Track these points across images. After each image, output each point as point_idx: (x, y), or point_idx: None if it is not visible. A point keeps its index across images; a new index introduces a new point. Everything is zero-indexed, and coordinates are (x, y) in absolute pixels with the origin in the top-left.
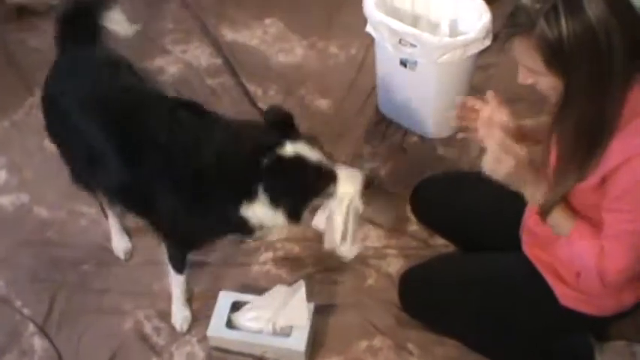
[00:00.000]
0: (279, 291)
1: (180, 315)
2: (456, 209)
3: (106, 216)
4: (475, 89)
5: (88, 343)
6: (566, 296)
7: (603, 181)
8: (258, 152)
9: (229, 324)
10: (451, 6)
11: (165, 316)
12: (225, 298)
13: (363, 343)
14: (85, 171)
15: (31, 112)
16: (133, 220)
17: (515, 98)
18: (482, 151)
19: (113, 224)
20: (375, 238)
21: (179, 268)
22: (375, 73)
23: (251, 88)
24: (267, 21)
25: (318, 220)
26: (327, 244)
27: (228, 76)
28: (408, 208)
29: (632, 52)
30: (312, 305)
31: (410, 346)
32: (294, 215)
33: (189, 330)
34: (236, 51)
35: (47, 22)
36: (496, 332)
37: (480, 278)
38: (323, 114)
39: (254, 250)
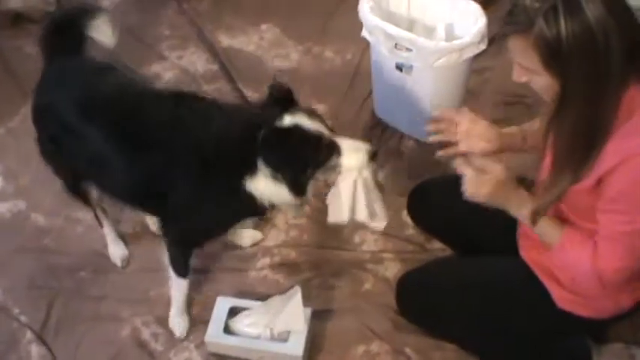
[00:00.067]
0: (275, 298)
1: (178, 320)
2: (452, 213)
3: (101, 225)
4: (471, 93)
5: (86, 350)
6: (563, 299)
7: (599, 182)
8: (255, 126)
9: (227, 330)
10: (447, 10)
11: (162, 322)
12: (222, 304)
13: (361, 348)
14: (88, 177)
15: (27, 119)
16: (129, 227)
17: (511, 101)
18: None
19: (108, 232)
20: (372, 242)
21: (182, 272)
22: (371, 77)
23: (247, 93)
24: (264, 27)
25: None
26: (330, 218)
27: (225, 81)
28: (405, 212)
29: (629, 54)
30: (309, 310)
31: (407, 350)
32: (297, 188)
33: (187, 336)
34: (232, 57)
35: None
36: (494, 336)
37: (477, 282)
38: None
39: (251, 255)
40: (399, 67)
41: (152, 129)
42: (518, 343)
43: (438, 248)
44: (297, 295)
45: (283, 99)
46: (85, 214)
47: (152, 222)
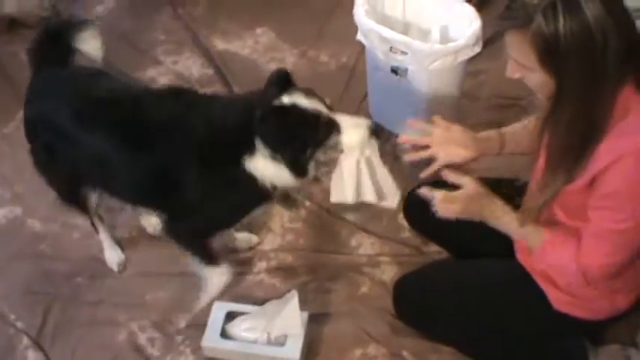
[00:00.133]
0: (272, 302)
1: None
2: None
3: (97, 231)
4: (466, 95)
5: (83, 356)
6: (559, 300)
7: (592, 182)
8: (253, 107)
9: (224, 334)
10: (442, 13)
11: (159, 326)
12: (219, 309)
13: (358, 352)
14: (91, 181)
15: (22, 125)
16: (126, 232)
17: (506, 104)
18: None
19: (104, 238)
20: (368, 245)
21: (210, 260)
22: (367, 80)
23: None
24: (259, 31)
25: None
26: (333, 197)
27: (220, 85)
28: (401, 215)
29: (625, 54)
30: (306, 314)
31: (405, 353)
32: (297, 167)
33: (183, 340)
34: (228, 61)
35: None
36: (491, 338)
37: (473, 285)
38: None
39: (247, 260)
40: (395, 70)
41: (152, 126)
42: (515, 346)
43: (434, 251)
44: (293, 299)
45: (282, 81)
46: (81, 220)
47: (149, 224)
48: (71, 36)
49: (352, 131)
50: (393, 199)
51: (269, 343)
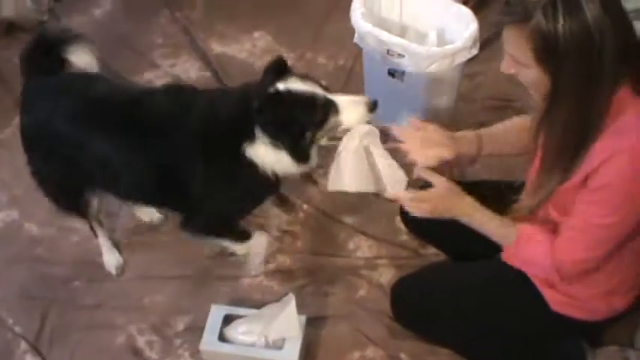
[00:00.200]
0: (270, 306)
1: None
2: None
3: (95, 235)
4: (463, 98)
5: (81, 359)
6: (556, 301)
7: (585, 179)
8: (249, 96)
9: (222, 338)
10: (438, 15)
11: (157, 329)
12: (217, 312)
13: (356, 354)
14: (98, 185)
15: (19, 129)
16: (124, 236)
17: (502, 106)
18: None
19: (103, 242)
20: (366, 248)
21: (241, 235)
22: (364, 83)
23: None
24: (256, 34)
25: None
26: (330, 186)
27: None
28: (399, 217)
29: (621, 55)
30: (303, 317)
31: (402, 356)
32: (298, 153)
33: (181, 344)
34: (225, 64)
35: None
36: (488, 340)
37: (470, 286)
38: None
39: (245, 263)
40: (392, 73)
41: (154, 123)
42: (512, 347)
43: (432, 253)
44: (291, 303)
45: (278, 69)
46: (78, 224)
47: (145, 214)
48: (63, 48)
49: (351, 109)
50: (394, 189)
51: (267, 346)
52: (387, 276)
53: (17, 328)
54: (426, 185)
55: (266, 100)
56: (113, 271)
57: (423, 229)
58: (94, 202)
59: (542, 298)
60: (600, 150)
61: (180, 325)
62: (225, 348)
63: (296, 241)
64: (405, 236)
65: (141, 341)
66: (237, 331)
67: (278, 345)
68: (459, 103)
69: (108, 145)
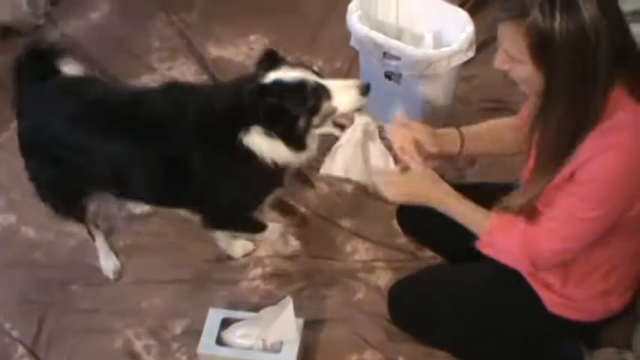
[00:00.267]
0: (267, 309)
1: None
2: (441, 221)
3: (93, 239)
4: (459, 100)
5: None
6: (553, 302)
7: (572, 175)
8: (241, 88)
9: (219, 341)
10: (435, 18)
11: (155, 333)
12: (214, 316)
13: (354, 357)
14: (103, 188)
15: (17, 134)
16: (121, 240)
17: (498, 108)
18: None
19: (101, 246)
20: (363, 251)
21: (258, 229)
22: None
23: None
24: (252, 37)
25: None
26: (322, 170)
27: None
28: (396, 220)
29: (616, 56)
30: (301, 320)
31: (400, 359)
32: (292, 140)
33: (179, 348)
34: (222, 67)
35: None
36: (486, 342)
37: (468, 288)
38: None
39: (243, 266)
40: (388, 76)
41: (155, 122)
42: (510, 350)
43: (429, 256)
44: (288, 306)
45: (270, 60)
46: (76, 228)
47: (134, 206)
48: (53, 59)
49: (343, 94)
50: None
51: (265, 349)
52: (384, 279)
53: (14, 333)
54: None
55: (254, 92)
56: (111, 275)
57: (420, 232)
58: (92, 206)
59: (539, 299)
60: (589, 147)
61: (178, 329)
62: (222, 351)
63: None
64: (402, 239)
65: (138, 345)
66: (235, 335)
67: (276, 348)
68: (456, 106)
69: (111, 146)
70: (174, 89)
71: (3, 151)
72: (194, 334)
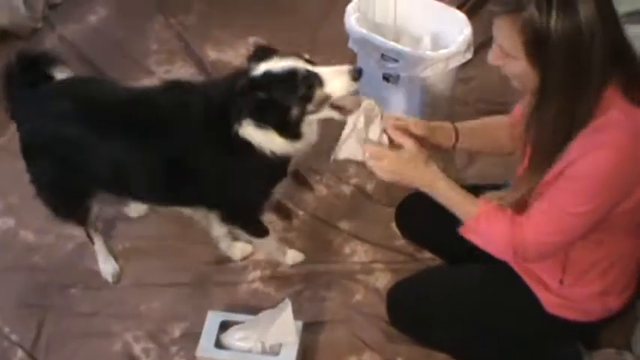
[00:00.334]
0: (266, 312)
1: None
2: (440, 223)
3: (92, 242)
4: (457, 101)
5: None
6: (550, 303)
7: (562, 172)
8: (233, 82)
9: (218, 344)
10: (433, 20)
11: (153, 337)
12: (213, 318)
13: (353, 359)
14: (111, 189)
15: (15, 137)
16: (120, 243)
17: (496, 109)
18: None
19: (100, 249)
20: (362, 253)
21: (261, 234)
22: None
23: None
24: (251, 40)
25: None
26: (334, 156)
27: None
28: (394, 223)
29: (610, 56)
30: (300, 323)
31: None
32: (286, 130)
33: (177, 351)
34: (221, 70)
35: (32, 46)
36: (485, 343)
37: (466, 290)
38: None
39: (242, 269)
40: (386, 78)
41: (158, 120)
42: (509, 351)
43: (428, 258)
44: (287, 308)
45: (262, 53)
46: (75, 231)
47: (133, 210)
48: (44, 66)
49: (335, 80)
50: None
51: (263, 352)
52: (383, 280)
53: (13, 337)
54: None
55: (244, 85)
56: (109, 279)
57: (418, 234)
58: (94, 209)
59: (537, 300)
60: (580, 146)
61: (177, 332)
62: (221, 354)
63: (292, 247)
64: (401, 241)
65: (137, 348)
66: (234, 338)
67: (275, 351)
68: (454, 107)
69: (113, 145)
70: (175, 87)
71: (1, 155)
72: (193, 337)
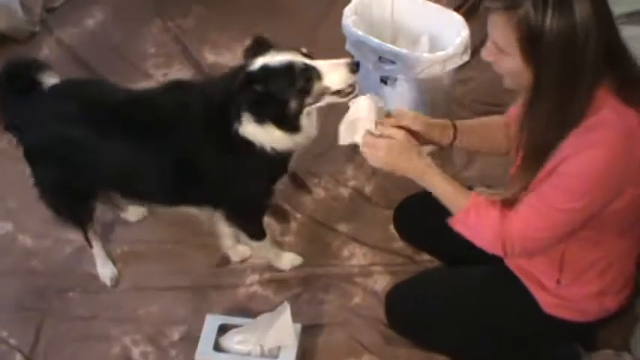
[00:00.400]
0: (265, 315)
1: (281, 255)
2: (437, 226)
3: (90, 245)
4: (455, 103)
5: None
6: (548, 303)
7: (553, 170)
8: (231, 77)
9: (217, 347)
10: (430, 22)
11: (152, 340)
12: (212, 322)
13: None
14: (118, 190)
15: (13, 140)
16: (118, 247)
17: (494, 111)
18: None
19: (98, 253)
20: (360, 255)
21: (260, 236)
22: None
23: None
24: (248, 42)
25: None
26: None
27: None
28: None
29: (603, 56)
30: (298, 326)
31: None
32: (285, 124)
33: (176, 354)
34: (218, 73)
35: (29, 50)
36: (484, 345)
37: (465, 291)
38: None
39: (240, 272)
40: (384, 80)
41: (161, 120)
42: (507, 352)
43: (427, 260)
44: (286, 311)
45: (259, 47)
46: (73, 235)
47: (131, 214)
48: (33, 73)
49: (333, 73)
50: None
51: (262, 355)
52: (381, 283)
53: (12, 341)
54: None
55: (241, 81)
56: (108, 283)
57: (416, 236)
58: (96, 211)
59: (535, 300)
60: (571, 144)
61: (176, 336)
62: (220, 358)
63: (290, 250)
64: (399, 243)
65: (136, 352)
66: (233, 341)
67: (274, 354)
68: (452, 109)
69: (122, 146)
70: (176, 87)
71: None
72: (192, 340)
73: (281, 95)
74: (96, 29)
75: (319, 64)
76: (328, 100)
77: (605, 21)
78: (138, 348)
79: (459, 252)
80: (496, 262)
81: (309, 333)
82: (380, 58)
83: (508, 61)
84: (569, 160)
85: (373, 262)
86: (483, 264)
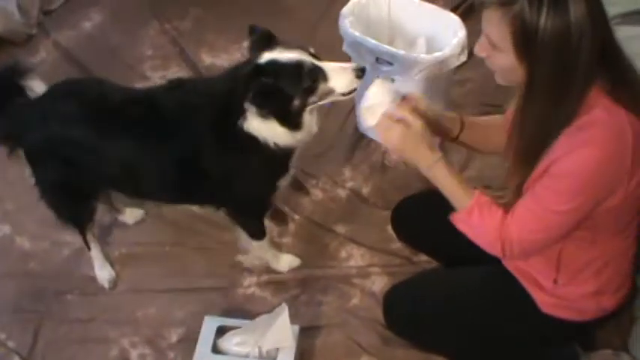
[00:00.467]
0: (263, 316)
1: (282, 257)
2: (435, 227)
3: (89, 248)
4: (453, 104)
5: None
6: (545, 303)
7: (547, 169)
8: (236, 72)
9: (215, 349)
10: (427, 23)
11: (150, 342)
12: (210, 324)
13: None
14: (121, 189)
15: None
16: (116, 249)
17: (493, 112)
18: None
19: (96, 255)
20: (358, 257)
21: (260, 236)
22: None
23: None
24: (245, 44)
25: None
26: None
27: None
28: (390, 226)
29: (597, 56)
30: (296, 327)
31: None
32: (287, 120)
33: (174, 356)
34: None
35: (26, 52)
36: (482, 345)
37: (462, 292)
38: None
39: (238, 273)
40: None
41: (165, 119)
42: (505, 352)
43: (424, 260)
44: (284, 313)
45: (264, 41)
46: (71, 237)
47: (128, 217)
48: (17, 78)
49: (339, 76)
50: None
51: (261, 357)
52: (379, 284)
53: (10, 343)
54: None
55: (248, 75)
56: (106, 285)
57: (414, 237)
58: (97, 212)
59: (533, 300)
60: (565, 142)
61: (174, 337)
62: (218, 359)
63: (288, 251)
64: (397, 244)
65: (134, 354)
66: (231, 343)
67: (272, 355)
68: (450, 109)
69: (123, 146)
70: (179, 85)
71: None
72: (190, 342)
73: (287, 91)
74: (93, 32)
75: (327, 65)
76: (331, 99)
77: (599, 21)
78: (136, 350)
79: (457, 253)
80: (494, 262)
81: (307, 334)
82: (377, 59)
83: (501, 57)
84: (562, 160)
85: (371, 264)
86: (481, 265)
